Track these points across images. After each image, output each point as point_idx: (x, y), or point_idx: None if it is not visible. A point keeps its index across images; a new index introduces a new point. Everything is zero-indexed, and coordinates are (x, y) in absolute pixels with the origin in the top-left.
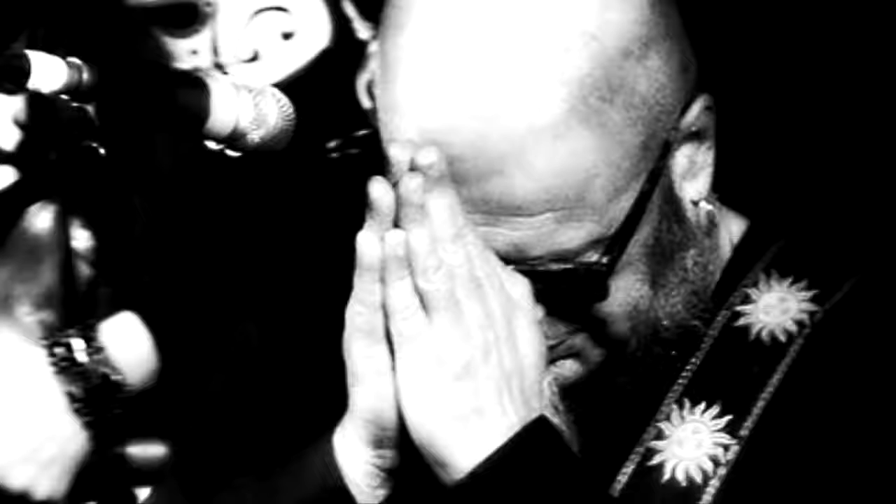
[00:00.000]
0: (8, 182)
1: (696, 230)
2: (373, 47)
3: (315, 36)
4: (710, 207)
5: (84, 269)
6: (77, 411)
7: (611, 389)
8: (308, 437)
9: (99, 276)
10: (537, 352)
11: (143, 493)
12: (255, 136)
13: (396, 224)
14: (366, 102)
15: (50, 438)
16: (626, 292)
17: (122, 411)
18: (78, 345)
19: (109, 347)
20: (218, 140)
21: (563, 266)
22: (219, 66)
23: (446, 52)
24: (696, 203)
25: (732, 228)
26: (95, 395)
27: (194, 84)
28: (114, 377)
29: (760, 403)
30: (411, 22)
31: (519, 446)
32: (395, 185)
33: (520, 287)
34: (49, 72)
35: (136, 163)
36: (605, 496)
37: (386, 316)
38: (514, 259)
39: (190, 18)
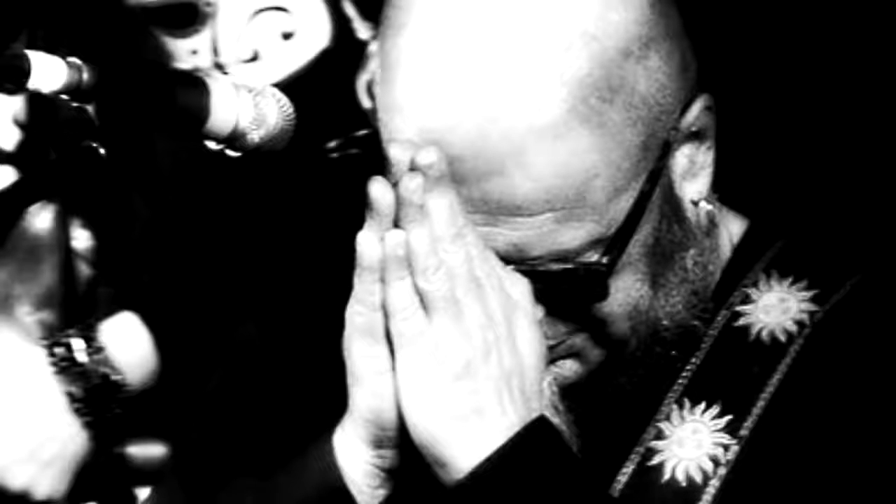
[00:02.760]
0: (8, 182)
1: (696, 230)
2: (373, 47)
3: (315, 36)
4: (710, 207)
5: (84, 269)
6: (77, 411)
7: (611, 389)
8: (308, 437)
9: (99, 276)
10: (537, 352)
11: (143, 493)
12: (255, 136)
13: (396, 224)
14: (366, 102)
15: (50, 438)
16: (626, 292)
17: (122, 411)
18: (78, 345)
19: (109, 347)
20: (218, 140)
21: (563, 266)
22: (219, 66)
23: (446, 53)
24: (696, 203)
25: (732, 228)
26: (95, 395)
27: (194, 84)
28: (114, 377)
29: (760, 403)
30: (411, 22)
31: (519, 446)
32: (395, 185)
33: (520, 287)
34: (49, 72)
35: (136, 163)
36: (605, 496)
37: (386, 316)
38: (514, 259)
39: (190, 18)
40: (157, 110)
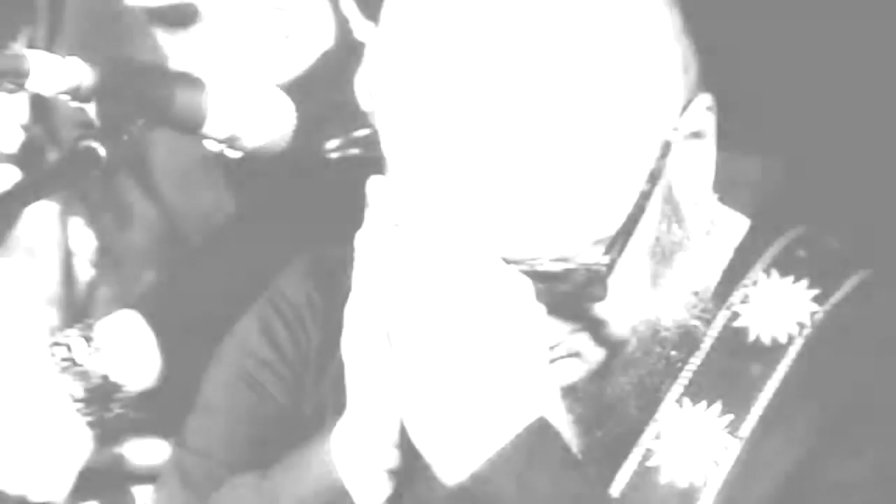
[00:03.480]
0: (8, 182)
1: (696, 230)
2: (373, 47)
3: (315, 36)
4: (710, 207)
5: (84, 269)
6: (77, 411)
7: (611, 389)
8: (308, 436)
9: (99, 276)
10: (537, 352)
11: (143, 493)
12: (254, 136)
13: (396, 224)
14: (366, 102)
15: (50, 438)
16: (626, 292)
17: (122, 411)
18: (78, 345)
19: (109, 347)
20: (218, 140)
21: (563, 266)
22: (218, 66)
23: (445, 52)
24: (696, 203)
25: (732, 228)
26: (95, 395)
27: (194, 84)
28: (114, 377)
29: (760, 403)
30: (411, 22)
31: (519, 446)
32: (395, 185)
33: (520, 287)
34: (49, 72)
35: (136, 163)
36: (605, 496)
37: (386, 316)
38: (515, 259)
39: (190, 18)
40: (157, 110)
